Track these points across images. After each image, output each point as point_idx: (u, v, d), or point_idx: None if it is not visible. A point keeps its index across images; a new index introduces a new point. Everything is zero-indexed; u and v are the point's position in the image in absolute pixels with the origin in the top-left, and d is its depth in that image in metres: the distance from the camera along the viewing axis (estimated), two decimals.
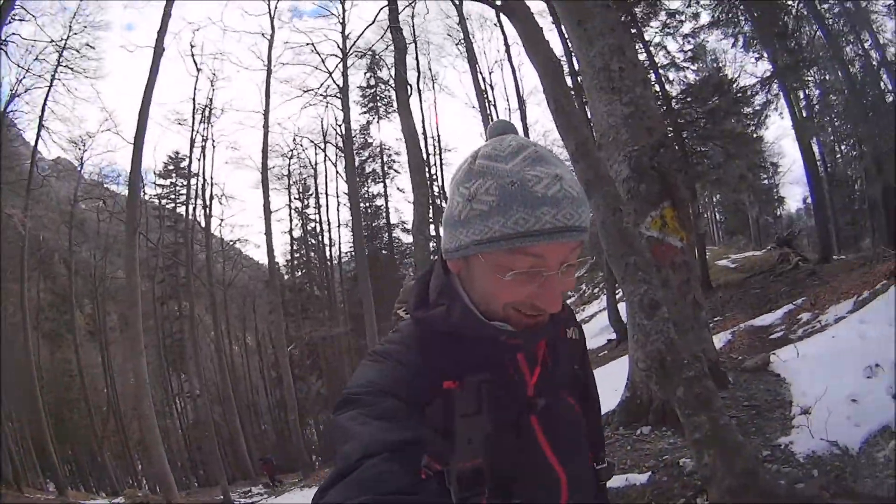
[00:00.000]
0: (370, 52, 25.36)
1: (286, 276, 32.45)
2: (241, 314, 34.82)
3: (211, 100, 26.03)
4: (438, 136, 30.19)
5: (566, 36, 12.16)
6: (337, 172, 30.14)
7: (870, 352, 5.44)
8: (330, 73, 23.45)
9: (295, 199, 31.82)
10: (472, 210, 0.79)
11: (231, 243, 31.87)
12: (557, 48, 14.42)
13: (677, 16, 16.21)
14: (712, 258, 21.78)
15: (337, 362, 30.68)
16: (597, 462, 1.04)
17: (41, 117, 20.73)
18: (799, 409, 5.10)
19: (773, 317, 9.88)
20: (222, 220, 29.43)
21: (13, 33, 18.25)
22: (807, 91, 18.87)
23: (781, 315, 9.74)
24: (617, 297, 14.75)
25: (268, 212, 24.28)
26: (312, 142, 29.34)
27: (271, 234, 24.71)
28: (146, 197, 28.00)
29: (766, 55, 17.03)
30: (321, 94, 24.32)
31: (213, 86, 25.89)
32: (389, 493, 0.66)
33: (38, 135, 20.87)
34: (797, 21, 16.52)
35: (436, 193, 28.10)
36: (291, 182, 31.34)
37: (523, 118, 24.86)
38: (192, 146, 26.79)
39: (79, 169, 26.00)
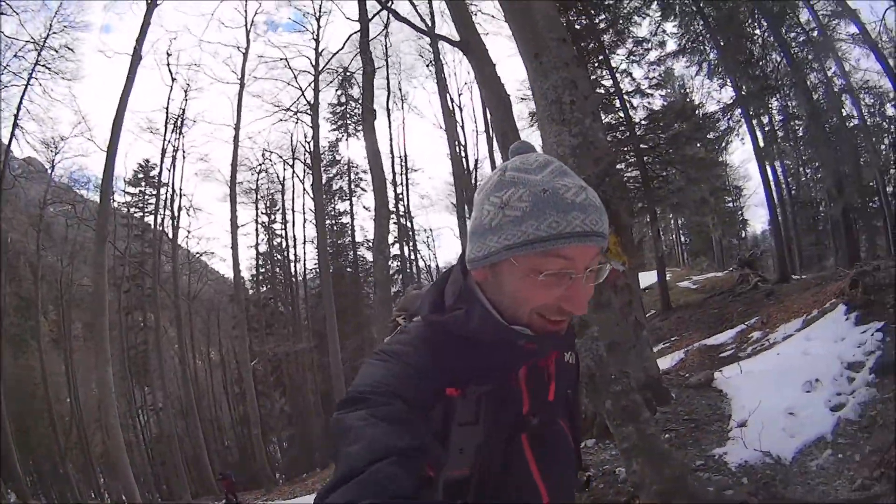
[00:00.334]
0: (342, 70, 25.56)
1: (251, 291, 32.04)
2: (205, 328, 34.20)
3: (184, 110, 25.89)
4: (405, 156, 30.32)
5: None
6: (304, 190, 30.08)
7: (811, 368, 5.71)
8: (302, 91, 23.66)
9: (262, 213, 31.62)
10: (506, 216, 0.82)
11: (197, 255, 31.43)
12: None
13: (644, 44, 16.64)
14: (674, 279, 22.20)
15: (300, 379, 30.29)
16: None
17: (16, 116, 20.40)
18: (736, 422, 5.33)
19: (726, 336, 10.15)
20: (189, 231, 29.02)
21: None
22: (770, 116, 19.37)
23: (734, 334, 10.03)
24: None
25: (235, 226, 24.22)
26: (281, 157, 29.37)
27: (237, 249, 24.68)
28: (115, 204, 27.54)
29: (729, 82, 17.59)
30: (292, 111, 24.45)
31: (186, 96, 25.77)
32: (395, 497, 0.65)
33: (13, 134, 20.51)
34: (763, 49, 17.14)
35: (401, 213, 28.31)
36: (259, 196, 31.18)
37: (489, 140, 24.97)
38: (163, 155, 26.55)
39: (49, 171, 25.46)
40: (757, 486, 4.31)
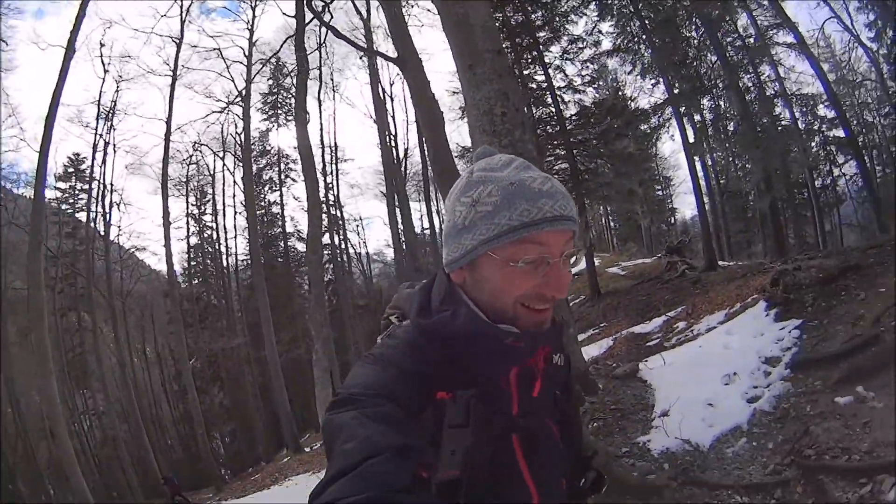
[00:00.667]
0: (276, 61, 25.29)
1: (184, 285, 30.94)
2: (140, 325, 33.03)
3: (115, 102, 24.53)
4: (335, 146, 30.01)
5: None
6: (235, 181, 29.40)
7: (731, 361, 6.10)
8: (234, 81, 23.22)
9: (192, 206, 30.59)
10: (478, 213, 0.85)
11: (130, 251, 30.12)
12: None
13: (579, 42, 16.88)
14: (604, 265, 22.58)
15: (237, 372, 29.69)
16: (581, 478, 1.08)
17: None
18: (659, 412, 5.69)
19: (653, 325, 10.55)
20: (120, 227, 27.71)
21: None
22: (701, 115, 19.73)
23: (660, 323, 10.43)
24: None
25: (167, 221, 23.32)
26: (211, 149, 28.48)
27: (170, 244, 23.84)
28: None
29: (662, 81, 18.02)
30: (224, 101, 23.87)
31: (118, 87, 24.48)
32: (390, 491, 0.67)
33: None
34: (698, 51, 17.64)
35: (331, 202, 28.17)
36: (189, 189, 30.13)
37: (419, 130, 24.65)
38: (94, 150, 25.09)
39: None
40: (677, 472, 4.67)
